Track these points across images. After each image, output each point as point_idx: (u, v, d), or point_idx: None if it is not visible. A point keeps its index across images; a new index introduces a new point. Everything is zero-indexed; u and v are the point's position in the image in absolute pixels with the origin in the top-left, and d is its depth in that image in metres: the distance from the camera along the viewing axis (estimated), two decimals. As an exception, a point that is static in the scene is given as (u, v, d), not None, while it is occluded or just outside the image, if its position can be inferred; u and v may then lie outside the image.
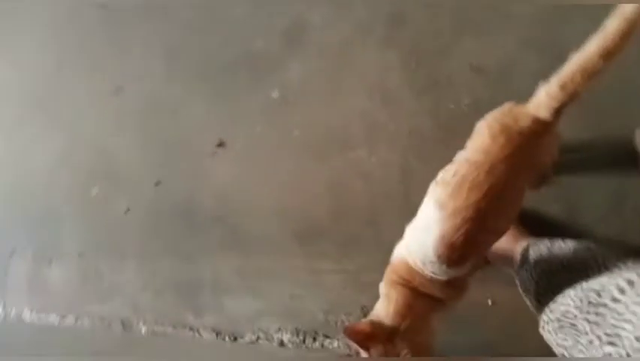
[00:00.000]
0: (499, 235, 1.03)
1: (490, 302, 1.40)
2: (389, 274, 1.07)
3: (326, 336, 1.57)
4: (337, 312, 1.56)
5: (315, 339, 1.59)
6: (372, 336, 0.95)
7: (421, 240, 0.99)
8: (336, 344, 1.55)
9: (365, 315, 1.54)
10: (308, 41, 1.57)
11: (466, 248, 0.94)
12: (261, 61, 1.59)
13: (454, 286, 1.04)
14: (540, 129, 0.92)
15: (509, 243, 1.26)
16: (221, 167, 1.67)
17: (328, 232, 1.56)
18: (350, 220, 1.53)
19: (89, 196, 1.88)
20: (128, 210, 1.82)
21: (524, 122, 0.92)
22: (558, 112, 0.91)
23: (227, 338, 1.70)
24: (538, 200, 1.31)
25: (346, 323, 1.53)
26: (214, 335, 1.72)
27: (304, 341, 1.60)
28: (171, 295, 1.80)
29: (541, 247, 1.13)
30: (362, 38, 1.53)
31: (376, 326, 0.96)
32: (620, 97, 1.26)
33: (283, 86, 1.57)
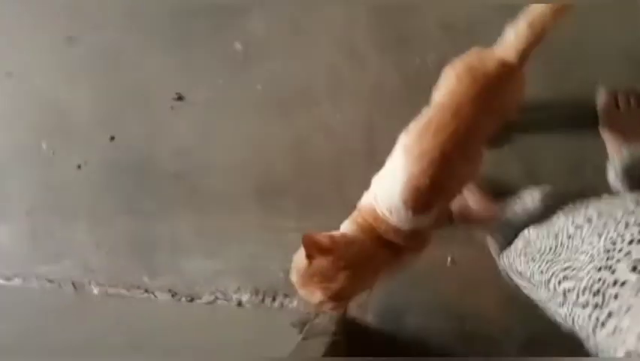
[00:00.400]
0: (464, 181, 1.02)
1: (449, 261, 1.40)
2: (355, 216, 1.05)
3: (286, 295, 1.55)
4: (297, 271, 1.53)
5: (274, 299, 1.56)
6: (325, 251, 0.93)
7: (387, 187, 0.98)
8: (295, 303, 1.53)
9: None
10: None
11: (431, 193, 0.92)
12: (222, 10, 1.51)
13: (417, 238, 1.03)
14: (506, 72, 0.91)
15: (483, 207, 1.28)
16: (180, 121, 1.60)
17: (290, 190, 1.53)
18: (312, 178, 1.50)
19: (39, 152, 1.77)
20: (80, 166, 1.73)
21: (490, 64, 0.90)
22: (525, 54, 0.90)
23: (183, 299, 1.66)
24: (498, 160, 1.31)
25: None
26: (170, 296, 1.67)
27: (263, 301, 1.57)
28: (125, 255, 1.73)
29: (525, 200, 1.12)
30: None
31: (335, 243, 0.95)
32: (582, 57, 1.27)
33: (246, 37, 1.50)
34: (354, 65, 1.43)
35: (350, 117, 1.44)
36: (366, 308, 1.47)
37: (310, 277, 0.94)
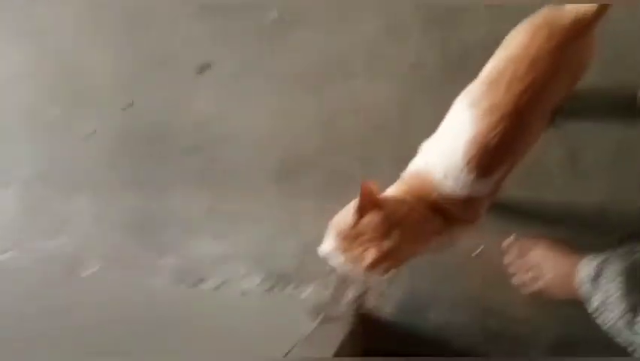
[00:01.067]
0: (529, 145, 0.94)
1: (477, 252, 1.31)
2: (400, 184, 0.97)
3: (298, 283, 1.44)
4: (313, 257, 1.42)
5: (285, 286, 1.45)
6: (378, 205, 0.84)
7: (446, 147, 0.91)
8: (309, 290, 1.42)
9: (344, 261, 1.43)
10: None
11: (499, 153, 0.86)
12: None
13: (471, 208, 0.95)
14: (582, 29, 0.86)
15: (563, 266, 1.12)
16: (204, 91, 1.53)
17: (313, 169, 1.44)
18: (338, 156, 1.42)
19: (48, 116, 1.69)
20: (91, 134, 1.64)
21: (567, 19, 0.86)
22: (600, 12, 0.86)
23: (187, 282, 1.54)
24: (541, 144, 1.25)
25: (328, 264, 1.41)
26: (172, 278, 1.55)
27: (274, 288, 1.46)
28: (128, 232, 1.62)
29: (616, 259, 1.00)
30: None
31: (386, 200, 0.86)
32: (633, 46, 1.23)
33: (283, 5, 1.45)
34: (395, 40, 1.37)
35: (385, 94, 1.38)
36: (385, 299, 1.37)
37: (357, 236, 0.86)
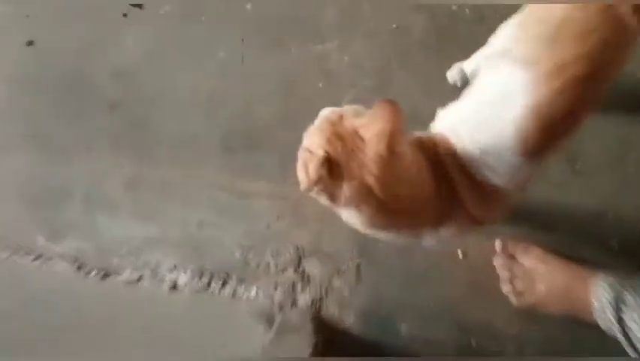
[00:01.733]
0: (587, 114, 0.73)
1: (460, 254, 1.11)
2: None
3: (241, 281, 1.16)
4: (261, 250, 1.16)
5: (224, 283, 1.16)
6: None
7: (487, 118, 0.68)
8: (254, 292, 1.15)
9: (299, 258, 1.17)
10: None
11: (560, 128, 0.65)
12: None
13: (493, 202, 0.74)
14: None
15: (562, 278, 0.98)
16: (133, 34, 1.21)
17: (270, 143, 1.17)
18: (301, 129, 1.16)
19: None
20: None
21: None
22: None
23: (93, 273, 1.20)
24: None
25: (270, 259, 1.15)
26: (74, 266, 1.21)
27: (209, 285, 1.16)
28: (19, 205, 1.25)
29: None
30: None
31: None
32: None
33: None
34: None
35: (359, 61, 1.14)
36: (348, 306, 1.13)
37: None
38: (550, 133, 0.63)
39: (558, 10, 0.65)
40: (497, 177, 0.68)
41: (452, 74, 1.05)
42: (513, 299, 1.04)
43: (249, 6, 1.18)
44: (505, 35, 0.74)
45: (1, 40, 1.26)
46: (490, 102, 0.68)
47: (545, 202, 1.09)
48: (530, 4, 0.71)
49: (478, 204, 0.72)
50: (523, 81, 0.63)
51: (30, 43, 1.24)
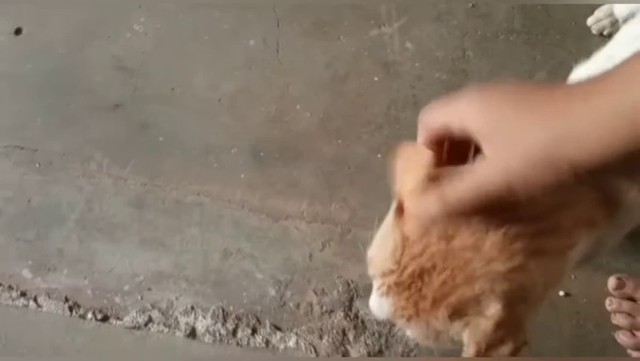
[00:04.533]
0: None
1: (561, 292, 0.87)
2: None
3: (276, 327, 0.91)
4: (301, 287, 0.91)
5: (255, 331, 0.91)
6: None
7: None
8: (292, 341, 0.90)
9: (351, 297, 0.93)
10: None
11: None
12: None
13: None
14: None
15: None
16: (143, 17, 0.98)
17: (311, 153, 0.93)
18: (353, 134, 0.92)
19: None
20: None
21: None
22: None
23: (89, 317, 0.95)
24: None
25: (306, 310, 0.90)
26: (65, 307, 0.96)
27: (234, 334, 0.91)
28: (0, 229, 1.01)
29: None
30: None
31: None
32: None
33: None
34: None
35: (428, 50, 0.91)
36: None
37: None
38: None
39: None
40: None
41: (598, 23, 0.83)
42: (634, 355, 0.80)
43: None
44: None
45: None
46: None
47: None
48: None
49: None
50: None
51: (18, 31, 1.01)
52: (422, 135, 0.38)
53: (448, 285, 0.38)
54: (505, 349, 0.39)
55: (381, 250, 0.43)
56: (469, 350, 0.39)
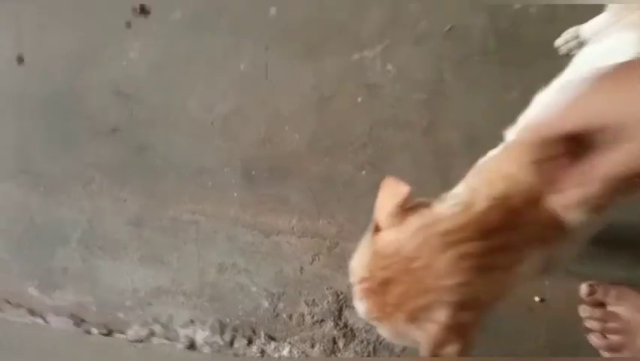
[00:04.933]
0: None
1: (537, 298, 0.92)
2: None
3: (270, 337, 0.96)
4: (293, 298, 0.97)
5: (250, 341, 0.97)
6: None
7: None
8: (286, 350, 0.95)
9: (340, 307, 0.98)
10: None
11: None
12: None
13: None
14: None
15: None
16: (137, 44, 1.03)
17: (299, 171, 0.98)
18: (338, 153, 0.97)
19: None
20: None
21: None
22: None
23: (94, 331, 1.01)
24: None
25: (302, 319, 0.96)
26: (70, 323, 1.02)
27: (232, 344, 0.97)
28: (6, 249, 1.07)
29: None
30: None
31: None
32: None
33: None
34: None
35: (406, 69, 0.96)
36: None
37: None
38: None
39: None
40: None
41: (566, 44, 0.89)
42: (605, 355, 0.85)
43: (273, 10, 1.00)
44: None
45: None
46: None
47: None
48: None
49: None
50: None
51: (20, 59, 1.06)
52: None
53: (405, 295, 0.45)
54: (451, 349, 0.45)
55: (358, 261, 0.49)
56: (422, 350, 0.46)
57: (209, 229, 1.01)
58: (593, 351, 0.87)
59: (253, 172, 1.00)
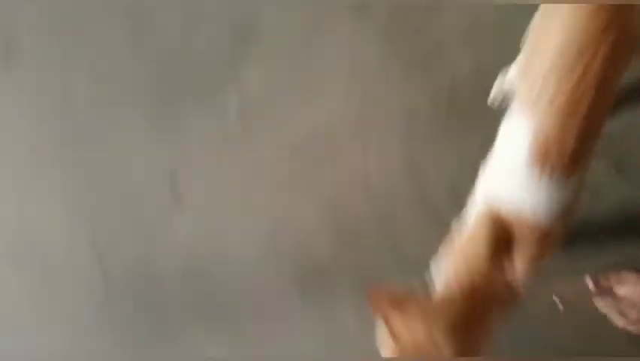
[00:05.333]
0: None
1: (559, 303, 1.08)
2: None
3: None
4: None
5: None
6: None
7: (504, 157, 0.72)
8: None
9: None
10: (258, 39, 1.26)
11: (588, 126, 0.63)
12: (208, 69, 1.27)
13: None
14: None
15: None
16: (178, 219, 1.29)
17: (335, 267, 1.20)
18: (358, 246, 1.19)
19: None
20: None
21: None
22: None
23: None
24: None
25: None
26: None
27: None
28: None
29: None
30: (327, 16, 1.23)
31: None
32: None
33: (241, 97, 1.25)
34: (374, 95, 1.19)
35: (384, 159, 1.18)
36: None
37: None
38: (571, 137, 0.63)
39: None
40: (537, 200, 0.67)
41: (495, 96, 1.05)
42: (634, 329, 0.99)
43: (267, 152, 1.23)
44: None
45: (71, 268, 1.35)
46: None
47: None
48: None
49: (534, 244, 0.70)
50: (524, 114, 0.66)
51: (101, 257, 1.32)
52: None
53: None
54: None
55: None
56: None
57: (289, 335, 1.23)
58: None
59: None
